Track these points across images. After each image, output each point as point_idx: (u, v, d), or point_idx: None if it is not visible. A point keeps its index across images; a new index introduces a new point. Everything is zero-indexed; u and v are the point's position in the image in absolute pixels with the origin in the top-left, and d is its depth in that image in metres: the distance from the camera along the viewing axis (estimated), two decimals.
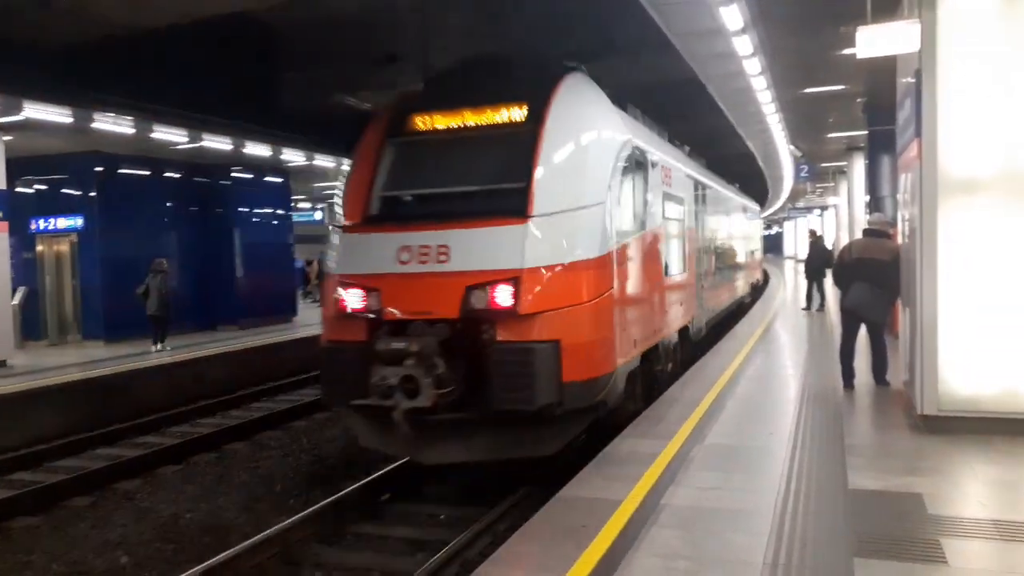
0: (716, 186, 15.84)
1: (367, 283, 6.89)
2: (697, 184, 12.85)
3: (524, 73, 7.94)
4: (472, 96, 7.58)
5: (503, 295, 6.52)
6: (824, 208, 46.91)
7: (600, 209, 7.07)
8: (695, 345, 12.04)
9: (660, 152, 9.89)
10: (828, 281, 17.14)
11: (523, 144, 7.06)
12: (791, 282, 30.43)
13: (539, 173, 6.88)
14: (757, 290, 25.17)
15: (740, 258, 19.92)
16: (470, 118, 7.51)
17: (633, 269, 8.00)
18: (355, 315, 6.91)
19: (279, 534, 6.51)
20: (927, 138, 6.56)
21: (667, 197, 10.00)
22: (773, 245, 62.56)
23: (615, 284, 7.27)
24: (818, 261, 17.89)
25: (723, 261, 16.31)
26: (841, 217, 30.82)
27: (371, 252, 7.05)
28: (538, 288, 6.56)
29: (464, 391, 6.64)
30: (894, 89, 8.53)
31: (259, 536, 6.45)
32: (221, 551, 6.23)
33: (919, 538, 4.46)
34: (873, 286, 8.33)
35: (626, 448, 6.70)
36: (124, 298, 15.40)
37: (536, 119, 7.21)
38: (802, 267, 21.08)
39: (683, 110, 18.55)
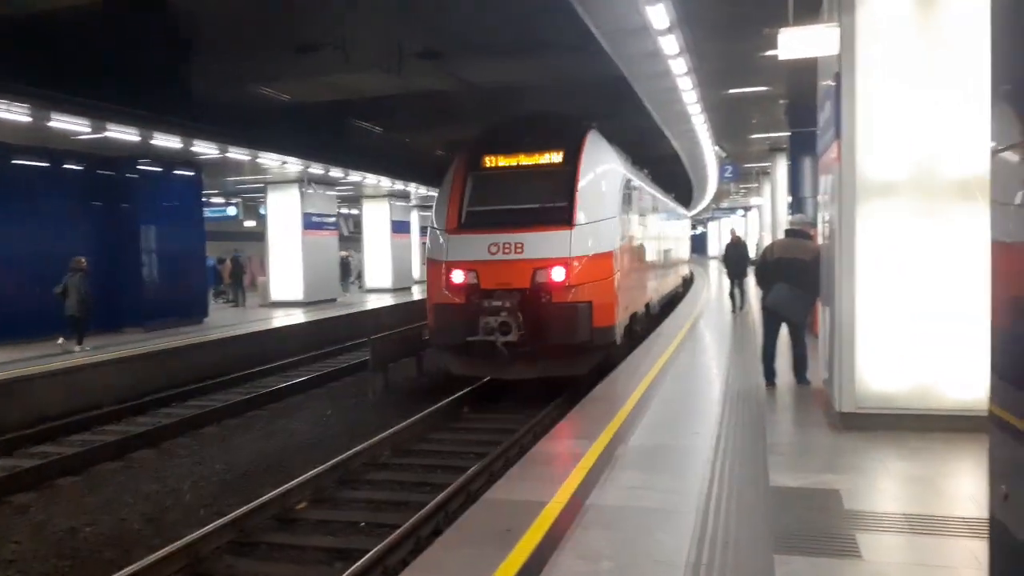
0: (662, 197, 20.02)
1: (469, 266, 10.55)
2: (653, 198, 17.22)
3: (559, 129, 11.61)
4: (525, 144, 11.24)
5: (557, 273, 10.22)
6: (748, 208, 48.01)
7: (613, 220, 10.99)
8: (650, 319, 15.57)
9: (637, 179, 14.15)
10: (750, 281, 17.52)
11: (566, 178, 10.77)
12: (715, 281, 31.14)
13: (578, 197, 10.58)
14: (686, 284, 28.26)
15: (678, 255, 24.90)
16: (524, 159, 11.17)
17: (626, 260, 11.73)
18: (458, 286, 10.51)
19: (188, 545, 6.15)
20: (846, 140, 6.66)
21: (640, 211, 14.11)
22: (698, 245, 63.70)
23: (619, 268, 10.96)
24: (740, 261, 18.23)
25: (667, 257, 20.36)
26: (764, 217, 31.57)
27: (471, 246, 10.63)
28: (578, 269, 10.28)
29: (527, 334, 9.99)
30: (815, 91, 8.68)
31: (166, 548, 6.07)
32: (124, 566, 5.84)
33: (836, 534, 4.52)
34: (794, 286, 8.45)
35: (552, 448, 6.63)
36: (16, 297, 14.39)
37: (573, 161, 10.88)
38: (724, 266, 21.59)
39: (611, 109, 18.67)
